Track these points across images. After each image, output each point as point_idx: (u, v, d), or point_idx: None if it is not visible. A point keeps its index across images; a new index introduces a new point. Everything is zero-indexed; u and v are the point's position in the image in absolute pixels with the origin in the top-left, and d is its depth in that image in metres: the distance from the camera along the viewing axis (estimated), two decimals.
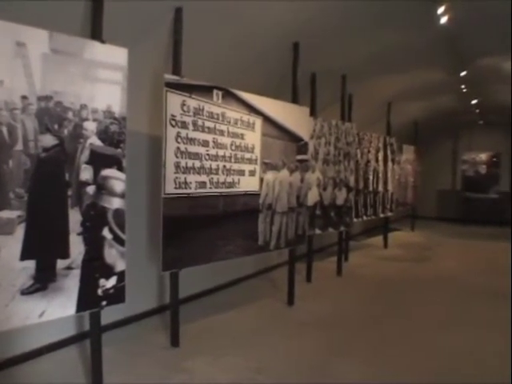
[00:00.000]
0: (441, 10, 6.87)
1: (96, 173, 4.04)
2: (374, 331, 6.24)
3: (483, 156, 20.07)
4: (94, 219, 4.04)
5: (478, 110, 16.46)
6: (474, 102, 14.88)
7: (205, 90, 5.45)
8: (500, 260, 11.68)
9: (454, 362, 5.27)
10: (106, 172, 4.13)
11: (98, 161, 4.06)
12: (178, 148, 5.07)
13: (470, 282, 9.17)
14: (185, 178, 5.16)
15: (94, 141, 4.03)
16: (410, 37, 8.30)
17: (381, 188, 11.92)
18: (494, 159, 19.94)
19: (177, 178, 5.07)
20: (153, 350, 5.31)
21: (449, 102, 14.84)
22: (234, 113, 5.84)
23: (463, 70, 10.65)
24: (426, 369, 5.08)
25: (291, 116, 6.85)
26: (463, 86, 12.48)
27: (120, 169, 4.23)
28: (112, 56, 4.19)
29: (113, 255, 4.21)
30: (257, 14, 6.09)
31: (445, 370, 5.06)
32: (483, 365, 5.21)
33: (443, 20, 7.13)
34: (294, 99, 7.12)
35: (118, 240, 4.23)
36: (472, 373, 4.97)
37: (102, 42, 4.16)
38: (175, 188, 5.06)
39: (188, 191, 5.22)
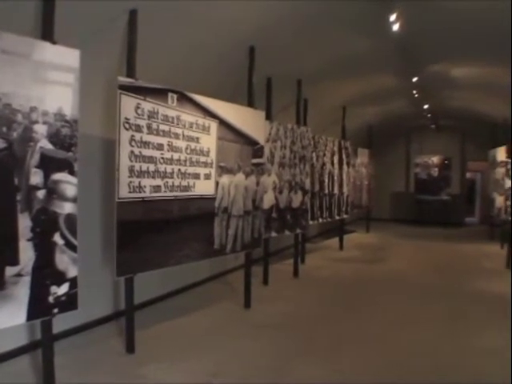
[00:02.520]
0: (393, 17, 6.99)
1: (46, 177, 3.94)
2: (330, 331, 6.31)
3: (435, 159, 20.56)
4: (45, 224, 3.94)
5: (429, 115, 16.87)
6: (425, 106, 15.24)
7: (159, 93, 5.41)
8: (450, 260, 12.01)
9: (408, 358, 5.39)
10: (57, 176, 4.03)
11: (49, 165, 3.96)
12: (132, 151, 5.01)
13: (421, 281, 9.39)
14: (139, 182, 5.10)
15: (45, 144, 3.92)
16: (364, 43, 8.44)
17: (336, 191, 12.06)
18: (446, 162, 20.43)
19: (131, 181, 5.00)
20: (108, 356, 5.21)
21: (402, 106, 15.15)
22: (189, 116, 5.81)
23: (415, 76, 10.88)
24: (383, 365, 5.18)
25: (247, 120, 6.87)
26: (415, 92, 12.76)
27: (72, 173, 4.14)
28: (63, 57, 4.10)
29: (64, 261, 4.11)
30: (213, 17, 6.08)
31: (400, 365, 5.17)
32: (436, 360, 5.33)
33: (395, 27, 7.26)
34: (250, 103, 7.13)
35: (70, 246, 4.15)
36: (427, 368, 5.10)
37: (53, 42, 4.05)
38: (129, 192, 5.00)
39: (142, 195, 5.16)
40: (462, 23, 7.42)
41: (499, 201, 12.98)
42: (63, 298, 4.14)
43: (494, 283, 9.18)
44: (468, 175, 21.78)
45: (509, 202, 10.85)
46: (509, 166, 10.82)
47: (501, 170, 12.73)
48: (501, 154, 12.76)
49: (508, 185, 10.87)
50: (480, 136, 17.27)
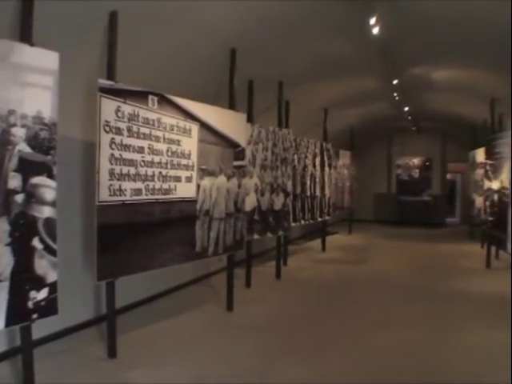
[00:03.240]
0: (372, 20, 7.03)
1: (25, 181, 3.89)
2: (314, 332, 6.34)
3: (416, 161, 20.77)
4: (24, 229, 3.89)
5: (410, 117, 17.00)
6: (406, 109, 15.34)
7: (140, 96, 5.38)
8: (431, 260, 12.12)
9: (391, 357, 5.45)
10: (36, 180, 3.99)
11: (27, 168, 3.91)
12: (113, 154, 4.97)
13: (404, 282, 9.48)
14: (119, 185, 5.06)
15: (23, 147, 3.87)
16: (345, 45, 8.48)
17: (318, 192, 12.11)
18: (427, 163, 20.63)
19: (111, 185, 4.97)
20: (89, 362, 5.15)
21: (383, 108, 15.23)
22: (170, 119, 5.79)
23: (395, 79, 10.95)
24: (366, 364, 5.23)
25: (228, 122, 6.86)
26: (396, 94, 12.83)
27: (51, 176, 4.10)
28: (42, 60, 4.07)
29: (44, 266, 4.07)
30: (194, 19, 6.07)
31: (383, 364, 5.23)
32: (418, 358, 5.39)
33: (375, 30, 7.30)
34: (231, 105, 7.13)
35: (50, 250, 4.10)
36: (409, 366, 5.16)
37: (32, 45, 4.01)
38: (110, 195, 4.96)
39: (123, 198, 5.12)
40: (442, 27, 7.49)
41: (479, 201, 13.13)
42: (43, 303, 4.09)
43: (474, 283, 9.27)
44: (448, 176, 22.01)
45: (488, 203, 10.96)
46: (487, 168, 10.93)
47: (480, 171, 12.87)
48: (480, 155, 12.90)
49: (487, 186, 10.98)
50: (460, 138, 17.46)
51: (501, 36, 7.09)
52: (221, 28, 6.53)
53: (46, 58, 4.09)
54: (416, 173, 20.83)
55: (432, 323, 6.78)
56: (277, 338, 6.07)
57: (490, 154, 10.78)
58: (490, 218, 10.78)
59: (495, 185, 10.19)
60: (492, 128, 11.03)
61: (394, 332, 6.36)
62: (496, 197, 10.15)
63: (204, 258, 6.69)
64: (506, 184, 8.46)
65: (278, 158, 9.04)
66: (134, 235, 5.34)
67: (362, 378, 4.92)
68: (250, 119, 8.07)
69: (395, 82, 11.12)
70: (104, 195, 4.90)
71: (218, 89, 7.22)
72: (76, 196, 5.83)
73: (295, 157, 10.54)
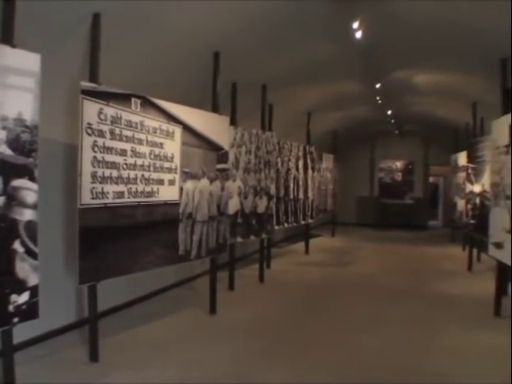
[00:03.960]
0: (355, 25, 7.08)
1: (6, 183, 3.85)
2: (296, 335, 6.35)
3: (399, 164, 20.93)
4: (4, 232, 3.85)
5: (392, 120, 17.12)
6: (389, 112, 15.46)
7: (123, 98, 5.36)
8: (414, 263, 12.22)
9: (373, 359, 5.50)
10: (17, 182, 3.95)
11: (8, 171, 3.87)
12: (95, 157, 4.95)
13: (386, 284, 9.53)
14: (102, 188, 5.04)
15: (4, 150, 3.83)
16: (328, 49, 8.52)
17: (301, 195, 12.15)
18: (410, 167, 20.80)
19: (93, 187, 4.94)
20: (71, 366, 5.11)
21: (366, 112, 15.33)
22: (152, 121, 5.78)
23: (378, 82, 11.03)
24: (349, 367, 5.26)
25: (211, 125, 6.87)
26: (378, 98, 12.93)
27: (32, 179, 4.07)
28: (24, 61, 4.04)
29: (25, 269, 4.03)
30: (178, 22, 6.05)
31: (365, 366, 5.28)
32: (400, 360, 5.43)
33: (358, 34, 7.35)
34: (215, 108, 7.13)
35: (31, 253, 4.07)
36: (391, 368, 5.20)
37: (13, 46, 3.97)
38: (92, 198, 4.93)
39: (105, 201, 5.09)
40: (424, 31, 7.55)
41: (461, 204, 13.24)
42: (24, 307, 4.06)
43: (455, 285, 9.37)
44: (431, 179, 22.22)
45: (469, 206, 11.07)
46: (469, 171, 11.05)
47: (462, 175, 13.00)
48: (462, 158, 13.02)
49: (469, 189, 11.09)
50: (442, 141, 17.63)
51: (482, 41, 7.19)
52: (204, 31, 6.52)
53: (27, 60, 4.06)
54: (399, 176, 21.00)
55: (414, 325, 6.84)
56: (260, 340, 6.08)
57: (471, 158, 10.89)
58: (472, 221, 10.88)
59: (477, 188, 10.29)
60: (474, 132, 11.15)
61: (376, 334, 6.40)
62: (477, 200, 10.25)
63: (187, 261, 6.68)
64: (487, 187, 8.54)
65: (262, 161, 9.05)
66: (117, 238, 5.31)
67: (344, 380, 4.94)
68: (233, 122, 8.08)
69: (378, 85, 11.22)
70: (86, 198, 4.87)
71: (202, 92, 7.21)
72: (58, 199, 5.78)
73: (278, 160, 10.58)
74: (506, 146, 6.81)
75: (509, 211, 6.65)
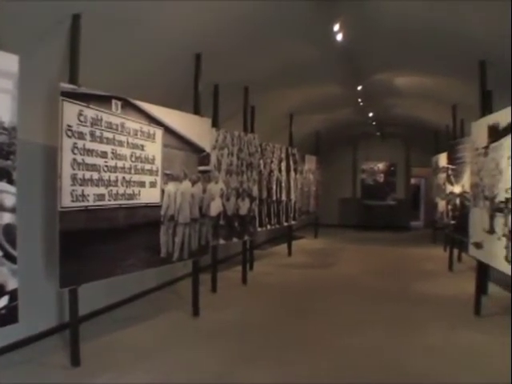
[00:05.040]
0: (336, 27, 7.11)
1: None
2: (279, 336, 6.34)
3: (381, 165, 21.07)
4: None
5: (374, 123, 17.25)
6: (370, 114, 15.56)
7: (103, 100, 5.33)
8: (396, 264, 12.31)
9: (356, 360, 5.52)
10: None
11: None
12: (75, 159, 4.91)
13: (369, 285, 9.57)
14: (82, 191, 5.00)
15: None
16: (309, 52, 8.55)
17: (284, 197, 12.16)
18: (391, 168, 20.94)
19: (73, 190, 4.90)
20: (52, 371, 5.04)
21: (348, 114, 15.42)
22: (133, 123, 5.75)
23: (359, 85, 11.10)
24: (331, 368, 5.27)
25: (193, 127, 6.85)
26: (360, 100, 13.01)
27: (10, 182, 4.01)
28: (1, 63, 3.97)
29: (3, 273, 3.98)
30: (159, 23, 6.03)
31: (348, 367, 5.29)
32: (383, 360, 5.46)
33: (339, 37, 7.39)
34: (196, 110, 7.12)
35: (9, 257, 4.01)
36: (374, 368, 5.22)
37: None
38: (72, 201, 4.89)
39: (86, 204, 5.05)
40: (405, 34, 7.62)
41: (441, 205, 13.37)
42: (3, 312, 4.00)
43: (437, 285, 9.45)
44: (413, 181, 22.41)
45: (450, 207, 11.18)
46: (450, 172, 11.15)
47: (442, 176, 13.12)
48: (442, 160, 13.14)
49: (449, 190, 11.19)
50: (424, 143, 17.79)
51: (462, 43, 7.28)
52: (185, 32, 6.51)
53: (5, 61, 4.00)
54: (381, 177, 21.14)
55: (396, 325, 6.87)
56: (243, 342, 6.07)
57: (451, 159, 10.99)
58: (452, 222, 10.99)
59: (457, 189, 10.39)
60: (454, 133, 11.27)
61: (359, 334, 6.43)
62: (458, 200, 10.36)
63: (169, 264, 6.65)
64: (467, 188, 8.63)
65: (244, 163, 9.05)
66: (98, 241, 5.27)
67: (328, 380, 4.97)
68: (215, 124, 8.07)
69: (359, 87, 11.28)
70: (66, 201, 4.83)
71: (183, 93, 7.19)
72: (37, 202, 5.71)
73: (261, 162, 10.59)
74: (485, 148, 6.89)
75: (488, 212, 6.73)
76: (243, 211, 9.04)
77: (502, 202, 6.23)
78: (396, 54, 8.84)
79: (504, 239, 6.12)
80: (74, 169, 4.90)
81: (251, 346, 5.94)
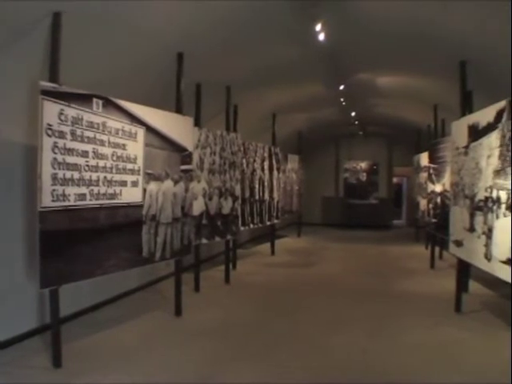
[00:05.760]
0: (318, 27, 7.13)
1: None
2: (262, 335, 6.36)
3: (363, 165, 21.16)
4: None
5: (357, 122, 17.33)
6: (353, 114, 15.63)
7: (84, 99, 5.28)
8: (378, 262, 12.40)
9: (340, 358, 5.56)
10: None
11: None
12: (55, 159, 4.86)
13: (352, 283, 9.65)
14: (63, 190, 4.95)
15: None
16: (292, 52, 8.55)
17: (267, 196, 12.18)
18: (374, 167, 21.06)
19: (54, 190, 4.85)
20: (33, 372, 5.00)
21: (331, 113, 15.47)
22: (115, 122, 5.71)
23: (342, 85, 11.14)
24: (314, 366, 5.32)
25: (175, 126, 6.83)
26: (342, 99, 13.06)
27: None
28: None
29: None
30: (141, 22, 5.99)
31: (331, 366, 5.33)
32: (367, 358, 5.51)
33: (321, 37, 7.40)
34: (178, 109, 7.09)
35: None
36: (358, 366, 5.27)
37: None
38: (52, 201, 4.84)
39: (66, 204, 5.01)
40: (386, 34, 7.66)
41: (423, 204, 13.49)
42: None
43: (418, 283, 9.55)
44: (395, 180, 22.55)
45: (431, 205, 11.27)
46: (431, 171, 11.25)
47: (424, 175, 13.24)
48: (424, 159, 13.24)
49: (430, 188, 11.29)
50: (406, 142, 17.95)
51: (443, 44, 7.34)
52: (168, 31, 6.48)
53: None
54: (363, 176, 21.24)
55: (379, 323, 6.93)
56: (226, 342, 6.07)
57: (433, 158, 11.09)
58: (434, 220, 11.09)
59: (438, 188, 10.49)
60: (435, 133, 11.38)
61: (342, 333, 6.47)
62: (439, 199, 10.45)
63: (151, 264, 6.63)
64: (448, 187, 8.71)
65: (227, 162, 9.05)
66: (79, 241, 5.23)
67: (311, 379, 4.99)
68: (197, 123, 8.05)
69: (342, 87, 11.32)
70: (46, 200, 4.78)
71: (165, 92, 7.17)
72: (17, 201, 5.65)
73: (244, 161, 10.59)
74: (465, 147, 6.97)
75: (468, 210, 6.81)
76: (226, 210, 9.04)
77: (481, 200, 6.31)
78: (378, 53, 8.89)
79: (484, 237, 6.20)
80: (54, 168, 4.85)
81: (234, 346, 5.95)
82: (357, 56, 9.13)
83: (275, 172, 12.83)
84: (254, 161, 11.32)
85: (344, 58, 9.03)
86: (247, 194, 10.99)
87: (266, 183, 12.07)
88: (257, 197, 11.56)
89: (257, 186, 11.53)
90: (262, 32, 7.45)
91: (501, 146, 5.69)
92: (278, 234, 15.52)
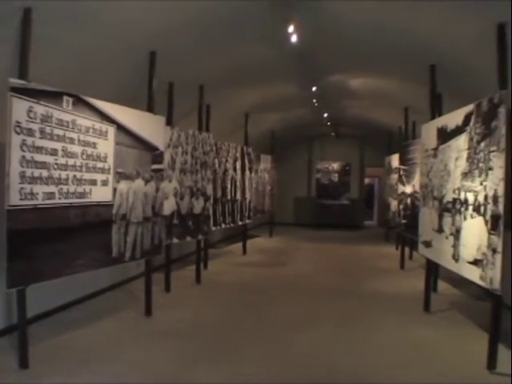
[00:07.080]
0: (290, 28, 7.15)
1: None
2: (232, 335, 6.38)
3: (335, 165, 21.32)
4: None
5: (329, 123, 17.44)
6: (325, 115, 15.73)
7: (54, 96, 5.21)
8: (350, 261, 12.53)
9: (309, 358, 5.60)
10: None
11: None
12: (24, 157, 4.78)
13: (323, 283, 9.74)
14: (31, 189, 4.88)
15: None
16: (265, 52, 8.56)
17: (239, 196, 12.19)
18: (346, 168, 21.24)
19: (22, 188, 4.77)
20: None
21: (303, 114, 15.53)
22: (85, 120, 5.65)
23: (314, 86, 11.20)
24: (283, 366, 5.36)
25: (146, 125, 6.79)
26: (315, 100, 13.13)
27: None
28: None
29: None
30: (113, 20, 5.94)
31: (301, 365, 5.37)
32: (336, 358, 5.53)
33: (293, 38, 7.43)
34: (150, 108, 7.05)
35: None
36: (327, 366, 5.30)
37: None
38: (20, 199, 4.77)
39: (35, 202, 4.93)
40: (358, 36, 7.72)
41: (394, 205, 13.67)
42: None
43: (388, 283, 9.69)
44: (367, 181, 22.80)
45: (401, 206, 11.42)
46: (401, 172, 11.40)
47: (395, 176, 13.42)
48: (395, 160, 13.42)
49: (401, 190, 11.44)
50: (377, 143, 18.11)
51: (414, 47, 7.44)
52: (140, 30, 6.44)
53: None
54: (335, 177, 21.40)
55: (348, 322, 7.00)
56: (196, 342, 6.06)
57: (403, 160, 11.24)
58: (404, 221, 11.23)
59: (408, 189, 10.64)
60: (406, 135, 11.53)
61: (311, 332, 6.51)
62: (409, 200, 10.60)
63: (121, 263, 6.58)
64: (418, 188, 8.83)
65: (198, 161, 9.04)
66: (47, 240, 5.16)
67: (280, 379, 5.02)
68: (169, 122, 8.02)
69: (314, 88, 11.39)
70: (14, 199, 4.71)
71: (137, 91, 7.12)
72: None
73: (216, 161, 10.59)
74: (434, 149, 7.08)
75: (436, 211, 6.91)
76: (197, 210, 9.03)
77: (449, 202, 6.41)
78: (350, 56, 8.96)
79: (451, 238, 6.31)
80: (22, 166, 4.77)
81: (204, 345, 5.95)
82: (329, 58, 9.19)
83: (247, 172, 12.86)
84: (226, 161, 11.32)
85: (317, 60, 9.08)
86: (219, 194, 10.99)
87: (238, 183, 12.08)
88: (229, 197, 11.57)
89: (229, 185, 11.54)
90: (236, 32, 7.45)
91: (469, 148, 5.80)
92: (250, 234, 15.55)
